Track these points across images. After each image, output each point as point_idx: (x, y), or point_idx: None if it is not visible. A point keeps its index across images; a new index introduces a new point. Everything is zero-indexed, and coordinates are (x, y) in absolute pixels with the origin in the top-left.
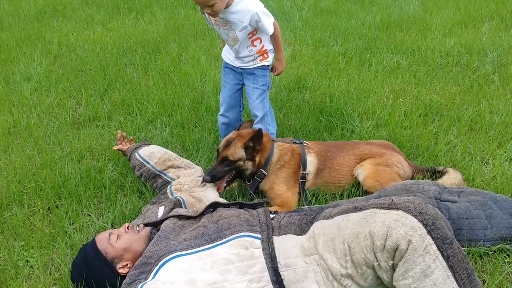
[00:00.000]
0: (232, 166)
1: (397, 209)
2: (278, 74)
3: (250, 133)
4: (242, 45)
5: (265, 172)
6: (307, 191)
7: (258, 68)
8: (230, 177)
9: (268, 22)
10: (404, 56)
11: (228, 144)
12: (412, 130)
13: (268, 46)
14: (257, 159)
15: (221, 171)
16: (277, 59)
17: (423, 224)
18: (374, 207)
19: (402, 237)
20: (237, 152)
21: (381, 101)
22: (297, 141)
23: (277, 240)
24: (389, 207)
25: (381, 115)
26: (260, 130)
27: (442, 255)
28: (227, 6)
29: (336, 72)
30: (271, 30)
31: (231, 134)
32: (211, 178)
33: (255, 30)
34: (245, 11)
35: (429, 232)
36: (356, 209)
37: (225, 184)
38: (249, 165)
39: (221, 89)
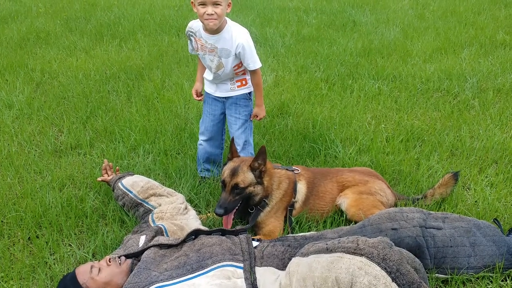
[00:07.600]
0: (243, 194)
1: (361, 255)
2: (260, 119)
3: (252, 157)
4: (226, 72)
5: (267, 202)
6: (293, 219)
7: (241, 97)
8: (237, 207)
9: (252, 57)
10: (385, 82)
11: (234, 172)
12: (394, 155)
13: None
14: (265, 182)
15: (232, 201)
16: (257, 105)
17: (387, 271)
18: (341, 251)
19: (366, 287)
20: (247, 176)
21: (363, 127)
22: (288, 168)
23: (259, 271)
24: (354, 252)
25: (364, 140)
26: (263, 148)
27: None
28: (218, 31)
29: (318, 98)
30: (252, 66)
31: (232, 163)
32: (225, 210)
33: (241, 63)
34: (233, 39)
35: (394, 279)
36: (328, 250)
37: (232, 217)
38: (258, 189)
39: (202, 118)
